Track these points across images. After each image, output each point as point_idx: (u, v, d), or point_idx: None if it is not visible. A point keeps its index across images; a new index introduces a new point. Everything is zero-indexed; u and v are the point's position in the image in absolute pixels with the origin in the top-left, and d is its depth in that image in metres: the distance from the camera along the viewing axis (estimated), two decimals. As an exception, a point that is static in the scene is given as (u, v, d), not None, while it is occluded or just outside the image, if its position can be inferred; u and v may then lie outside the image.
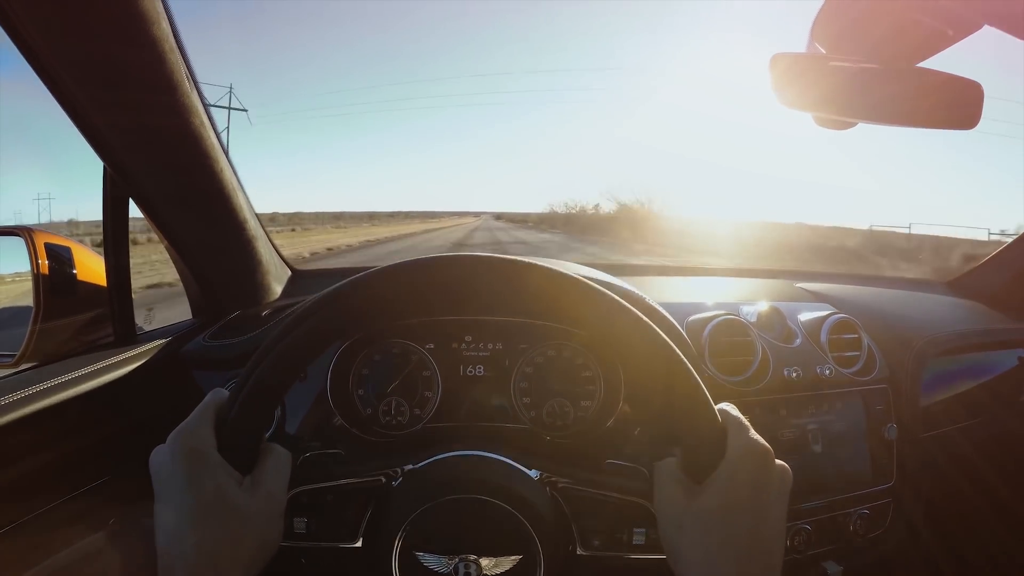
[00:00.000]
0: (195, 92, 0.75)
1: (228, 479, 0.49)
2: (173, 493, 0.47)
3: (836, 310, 1.02)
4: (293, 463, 0.55)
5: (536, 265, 0.53)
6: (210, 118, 0.80)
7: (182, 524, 0.46)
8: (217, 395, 0.54)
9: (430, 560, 0.56)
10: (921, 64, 0.73)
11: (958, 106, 0.77)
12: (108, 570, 0.76)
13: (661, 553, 0.52)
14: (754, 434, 0.51)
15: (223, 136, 0.85)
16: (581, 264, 1.06)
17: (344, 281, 0.54)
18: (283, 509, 0.53)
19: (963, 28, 0.63)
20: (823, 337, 0.96)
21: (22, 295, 0.90)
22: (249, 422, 0.52)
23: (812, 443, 0.90)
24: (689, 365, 0.51)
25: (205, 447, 0.49)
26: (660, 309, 0.81)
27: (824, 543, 0.89)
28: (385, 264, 0.55)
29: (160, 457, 0.49)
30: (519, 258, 0.54)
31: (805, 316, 1.01)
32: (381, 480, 0.59)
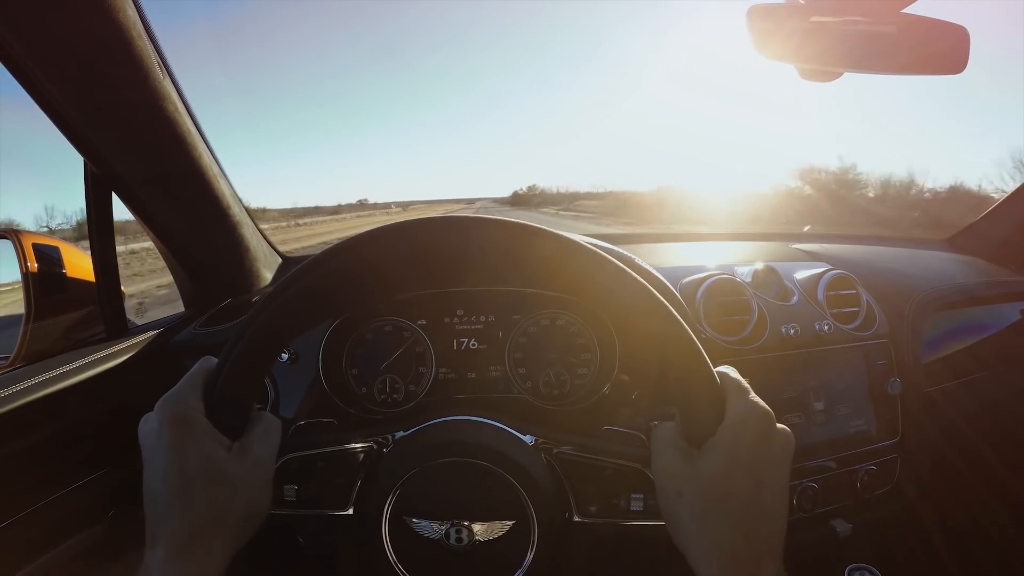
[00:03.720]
0: (168, 79, 0.75)
1: (216, 445, 0.48)
2: (160, 459, 0.47)
3: (833, 267, 1.00)
4: (284, 431, 0.54)
5: (534, 227, 0.51)
6: (186, 104, 0.79)
7: (169, 492, 0.46)
8: (206, 362, 0.53)
9: (421, 526, 0.55)
10: (905, 10, 0.72)
11: (944, 51, 0.76)
12: (108, 561, 0.76)
13: (660, 520, 0.51)
14: (754, 397, 0.49)
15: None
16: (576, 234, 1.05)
17: (344, 239, 0.52)
18: (272, 476, 0.52)
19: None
20: (820, 294, 0.95)
21: (14, 297, 0.90)
22: (237, 387, 0.51)
23: (814, 401, 0.89)
24: (687, 328, 0.49)
25: (193, 413, 0.49)
26: (652, 270, 0.80)
27: (832, 501, 0.88)
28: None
29: (148, 424, 0.49)
30: (518, 221, 0.52)
31: (801, 274, 0.99)
32: (372, 447, 0.58)
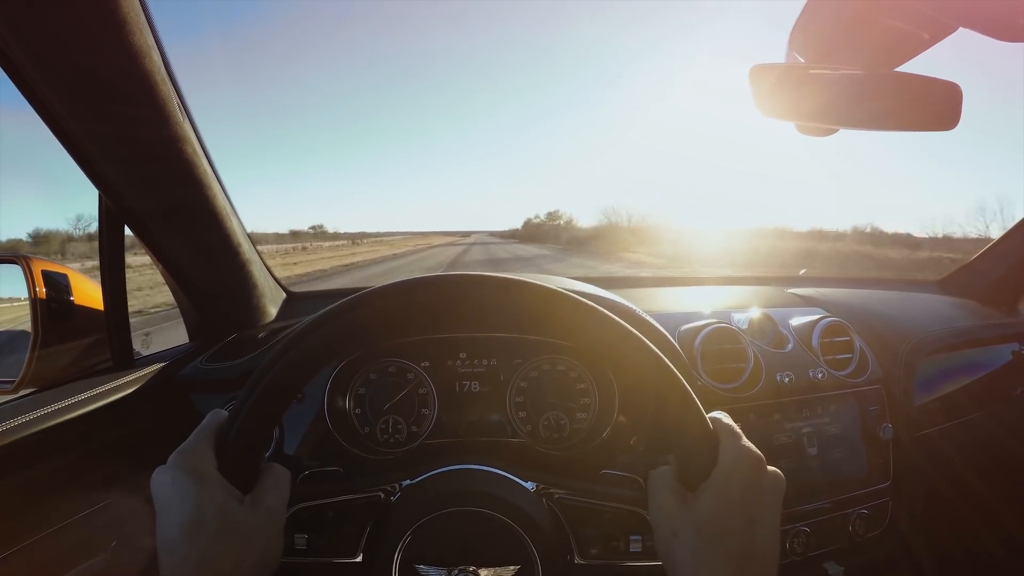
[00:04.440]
0: (187, 121, 0.77)
1: (228, 498, 0.50)
2: (174, 512, 0.48)
3: (827, 313, 1.03)
4: (293, 480, 0.56)
5: (528, 283, 0.54)
6: (202, 145, 0.81)
7: (184, 543, 0.47)
8: (216, 416, 0.55)
9: (430, 572, 0.57)
10: (899, 68, 0.75)
11: (937, 108, 0.78)
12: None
13: (658, 560, 0.53)
14: (746, 441, 0.52)
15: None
16: (576, 279, 1.08)
17: (343, 300, 0.55)
18: (283, 526, 0.54)
19: (938, 31, 0.64)
20: (815, 341, 0.97)
21: (21, 322, 0.91)
22: (248, 441, 0.53)
23: (808, 446, 0.91)
24: (679, 375, 0.52)
25: (205, 467, 0.50)
26: (650, 320, 0.82)
27: (824, 544, 0.89)
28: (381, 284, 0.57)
29: (161, 477, 0.50)
30: (512, 276, 0.55)
31: (796, 321, 1.02)
32: (380, 496, 0.60)
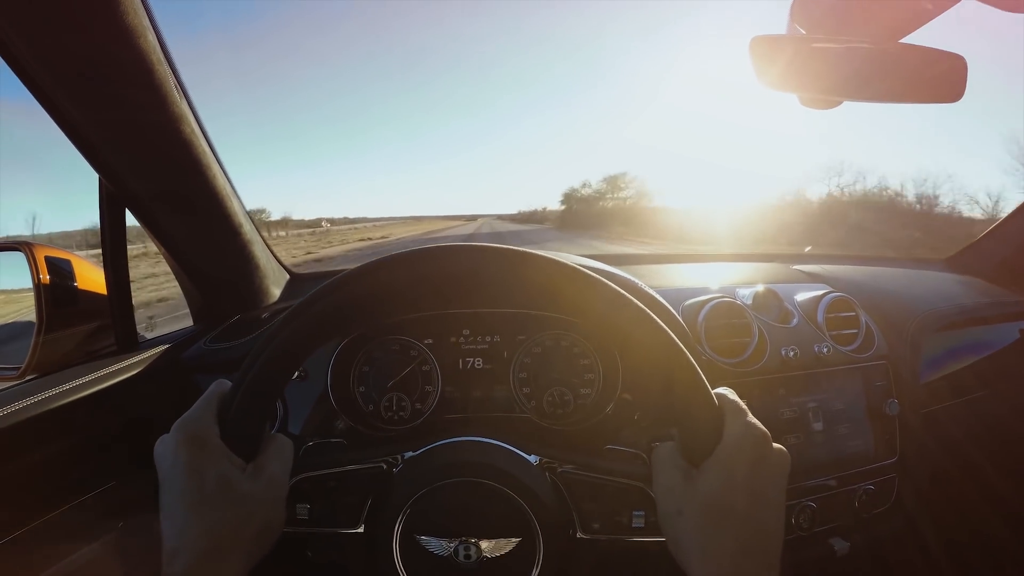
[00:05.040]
0: (184, 101, 0.77)
1: (231, 466, 0.50)
2: (177, 480, 0.48)
3: (833, 289, 1.02)
4: (296, 452, 0.56)
5: (537, 255, 0.54)
6: (201, 126, 0.81)
7: (186, 510, 0.47)
8: (220, 385, 0.55)
9: (431, 543, 0.57)
10: (904, 40, 0.74)
11: (942, 80, 0.77)
12: (116, 573, 0.77)
13: (660, 536, 0.53)
14: (751, 418, 0.51)
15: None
16: (580, 255, 1.07)
17: (351, 269, 0.55)
18: (285, 495, 0.54)
19: (942, 1, 0.63)
20: (820, 316, 0.96)
21: (25, 308, 0.92)
22: (252, 410, 0.53)
23: (813, 421, 0.90)
24: (686, 351, 0.51)
25: (208, 435, 0.50)
26: (656, 295, 0.81)
27: (830, 520, 0.89)
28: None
29: (164, 446, 0.51)
30: (521, 249, 0.54)
31: (802, 296, 1.01)
32: (382, 467, 0.60)
